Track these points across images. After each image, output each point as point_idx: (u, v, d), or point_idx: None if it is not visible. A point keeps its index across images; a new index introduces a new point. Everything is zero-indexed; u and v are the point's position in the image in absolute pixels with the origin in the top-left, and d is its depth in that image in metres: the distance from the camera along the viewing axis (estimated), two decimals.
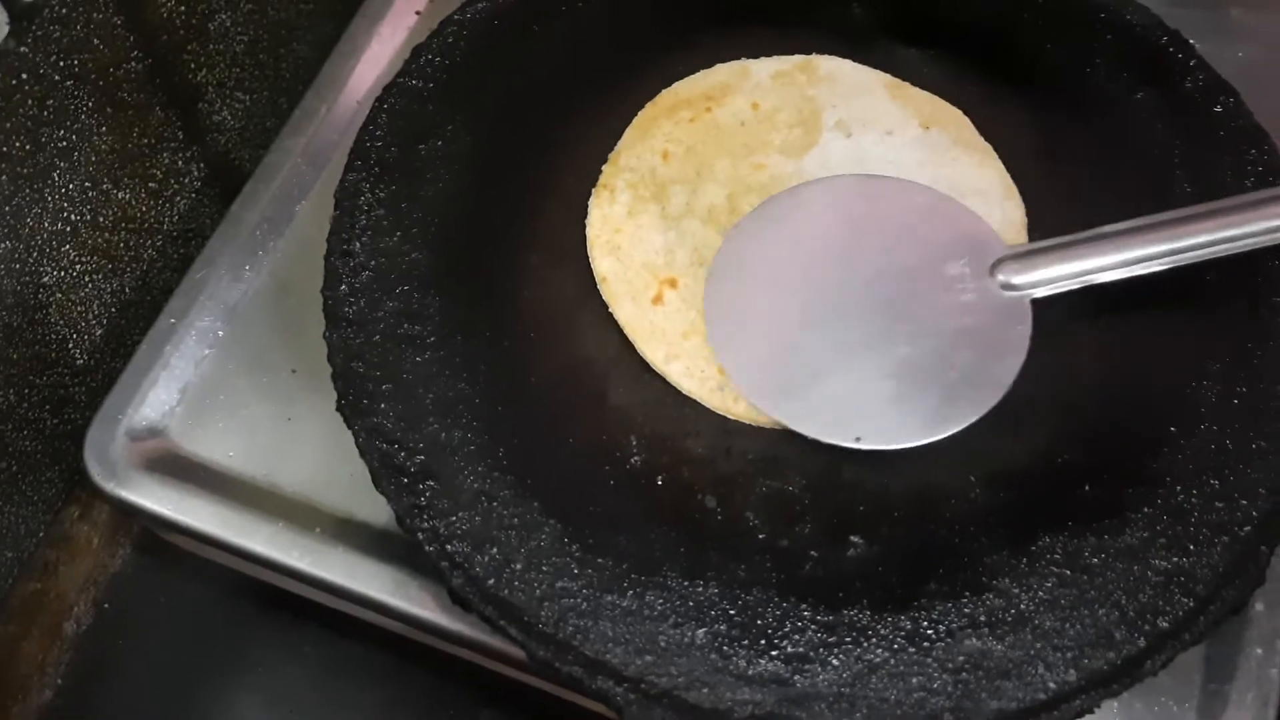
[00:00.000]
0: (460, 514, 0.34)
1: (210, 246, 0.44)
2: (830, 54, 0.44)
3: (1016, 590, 0.34)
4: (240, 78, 0.49)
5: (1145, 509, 0.35)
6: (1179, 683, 0.36)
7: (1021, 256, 0.38)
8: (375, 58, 0.48)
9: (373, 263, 0.38)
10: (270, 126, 0.50)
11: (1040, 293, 0.38)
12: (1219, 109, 0.41)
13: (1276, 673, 0.36)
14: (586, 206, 0.41)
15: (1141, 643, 0.33)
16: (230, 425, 0.41)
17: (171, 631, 0.49)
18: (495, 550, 0.34)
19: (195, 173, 0.48)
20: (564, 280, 0.40)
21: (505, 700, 0.46)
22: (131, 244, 0.46)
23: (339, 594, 0.39)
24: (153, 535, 0.46)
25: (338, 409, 0.36)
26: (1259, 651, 0.36)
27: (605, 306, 0.39)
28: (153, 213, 0.46)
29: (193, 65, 0.46)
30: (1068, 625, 0.33)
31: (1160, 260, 0.37)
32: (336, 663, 0.48)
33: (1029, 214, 0.41)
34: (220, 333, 0.43)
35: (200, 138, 0.48)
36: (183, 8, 0.44)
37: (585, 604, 0.33)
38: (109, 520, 0.49)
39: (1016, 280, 0.38)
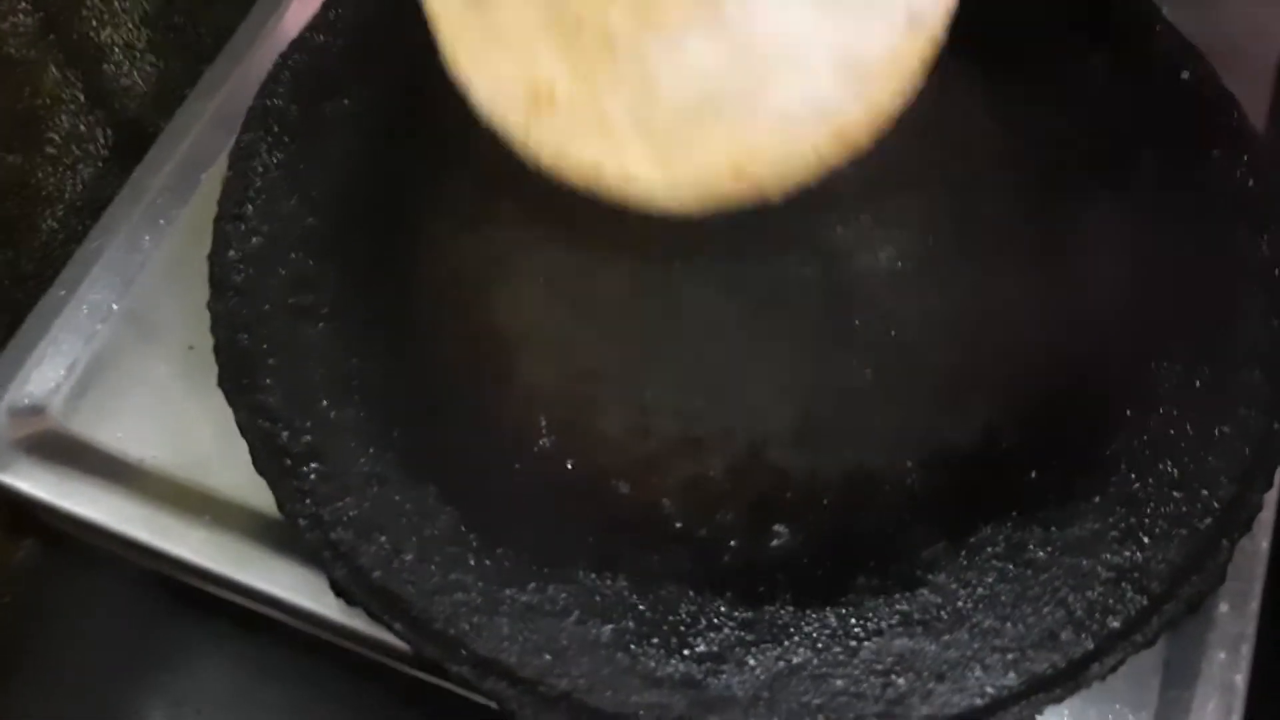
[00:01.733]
0: (347, 499, 0.32)
1: (108, 215, 0.42)
2: None
3: (954, 585, 0.31)
4: (152, 39, 0.46)
5: (1096, 498, 0.32)
6: (1135, 688, 0.33)
7: None
8: (295, 18, 0.45)
9: (265, 228, 0.35)
10: (188, 94, 0.47)
11: None
12: (1185, 74, 0.39)
13: (1241, 678, 0.34)
14: (499, 172, 0.38)
15: (1089, 644, 0.30)
16: (119, 404, 0.39)
17: (77, 626, 0.47)
18: (384, 538, 0.31)
19: (101, 139, 0.45)
20: (473, 248, 0.37)
21: (427, 702, 0.44)
22: (27, 213, 0.43)
23: (229, 586, 0.36)
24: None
25: (219, 384, 0.33)
26: (1222, 655, 0.34)
27: (519, 277, 0.36)
28: (51, 179, 0.44)
29: (94, 23, 0.43)
30: (1008, 624, 0.30)
31: None
32: (249, 661, 0.45)
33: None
34: (114, 306, 0.40)
35: (106, 101, 0.45)
36: None
37: (481, 598, 0.31)
38: (10, 510, 0.46)
39: None
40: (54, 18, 0.41)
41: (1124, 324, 0.35)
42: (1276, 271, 0.35)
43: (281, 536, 0.36)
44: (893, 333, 0.35)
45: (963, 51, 0.40)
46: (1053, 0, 0.41)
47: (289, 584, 0.35)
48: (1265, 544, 0.35)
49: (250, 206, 0.36)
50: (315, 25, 0.39)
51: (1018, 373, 0.34)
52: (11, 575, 0.47)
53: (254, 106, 0.38)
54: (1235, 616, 0.34)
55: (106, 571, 0.46)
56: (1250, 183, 0.37)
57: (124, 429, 0.38)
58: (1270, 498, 0.35)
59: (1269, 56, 0.44)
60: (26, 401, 0.39)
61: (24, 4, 0.39)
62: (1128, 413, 0.33)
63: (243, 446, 0.33)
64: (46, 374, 0.39)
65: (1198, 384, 0.33)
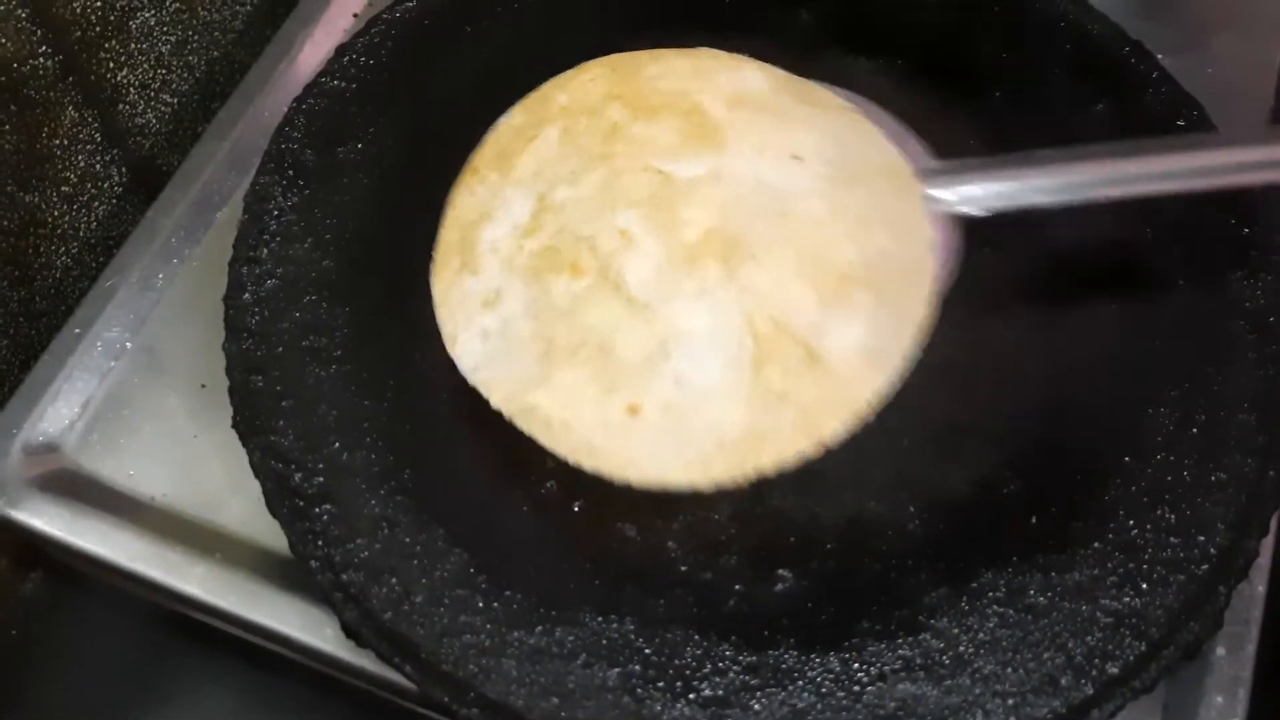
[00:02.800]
0: (358, 540, 0.32)
1: (122, 254, 0.42)
2: (775, 63, 0.42)
3: (955, 630, 0.31)
4: (167, 79, 0.47)
5: (1094, 544, 0.32)
6: None
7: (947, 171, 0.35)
8: (307, 60, 0.46)
9: (280, 270, 0.36)
10: (201, 132, 0.47)
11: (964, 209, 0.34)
12: (1182, 122, 0.39)
13: None
14: None
15: (1089, 689, 0.30)
16: (132, 442, 0.39)
17: (82, 660, 0.47)
18: (394, 580, 0.32)
19: (116, 177, 0.46)
20: None
21: None
22: (42, 250, 0.43)
23: (237, 624, 0.36)
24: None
25: (233, 425, 0.34)
26: (1219, 700, 0.34)
27: None
28: (66, 218, 0.44)
29: (111, 64, 0.44)
30: (1009, 669, 0.31)
31: (1095, 188, 0.34)
32: (253, 696, 0.45)
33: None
34: (128, 344, 0.41)
35: (121, 140, 0.46)
36: (98, 4, 0.42)
37: (489, 641, 0.31)
38: (17, 543, 0.47)
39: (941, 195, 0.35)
40: (73, 60, 0.42)
41: (1121, 371, 0.35)
42: (1270, 318, 0.35)
43: (289, 574, 0.36)
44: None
45: (965, 97, 0.41)
46: (1049, 48, 0.42)
47: (296, 621, 0.35)
48: (1261, 588, 0.35)
49: (265, 250, 0.36)
50: (329, 70, 0.40)
51: (1017, 420, 0.35)
52: (18, 608, 0.47)
53: (269, 150, 0.38)
54: (1232, 660, 0.34)
55: (113, 606, 0.46)
56: (1244, 230, 0.37)
57: (136, 466, 0.39)
58: (1266, 543, 0.36)
59: (1263, 105, 0.45)
60: (40, 439, 0.39)
61: (44, 47, 0.40)
62: (1125, 460, 0.34)
63: (252, 484, 0.34)
64: (61, 411, 0.39)
65: (1194, 431, 0.34)
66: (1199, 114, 0.39)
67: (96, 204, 0.46)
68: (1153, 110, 0.40)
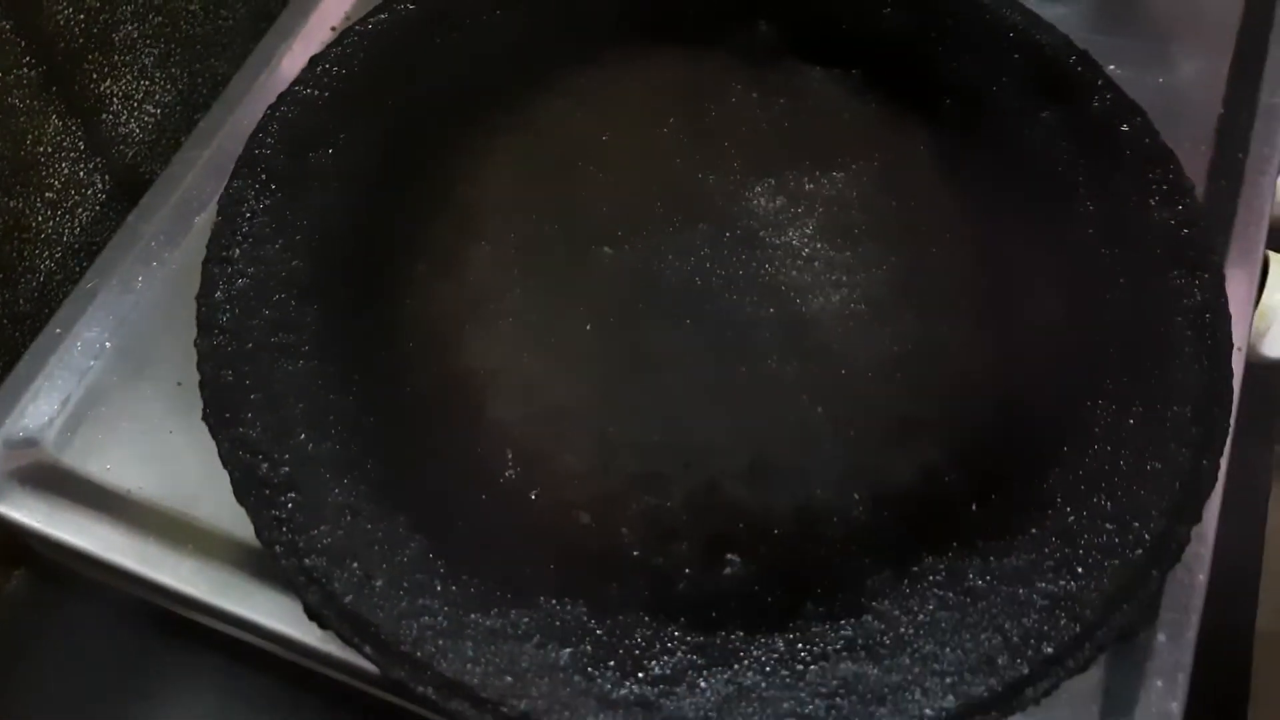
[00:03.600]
0: (321, 527, 0.33)
1: (103, 257, 0.43)
2: (735, 72, 0.43)
3: (896, 612, 0.32)
4: (150, 90, 0.49)
5: (1033, 530, 0.34)
6: (1076, 715, 0.34)
7: None
8: (286, 71, 0.48)
9: (251, 270, 0.37)
10: (184, 141, 0.49)
11: None
12: (1126, 128, 0.41)
13: (1177, 705, 0.35)
14: (475, 220, 0.40)
15: (1024, 669, 0.32)
16: (109, 437, 0.40)
17: (66, 657, 0.48)
18: (356, 565, 0.33)
19: (99, 184, 0.47)
20: (449, 291, 0.39)
21: None
22: (26, 254, 0.45)
23: (209, 613, 0.37)
24: (50, 558, 0.45)
25: (203, 418, 0.35)
26: (1159, 683, 0.35)
27: (490, 319, 0.38)
28: (50, 223, 0.46)
29: (95, 75, 0.45)
30: (948, 649, 0.32)
31: None
32: (232, 689, 0.46)
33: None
34: (107, 344, 0.42)
35: (105, 149, 0.47)
36: (81, 17, 0.43)
37: (447, 623, 0.32)
38: (2, 540, 0.48)
39: None
40: (56, 70, 0.43)
41: (1062, 364, 0.36)
42: (1207, 315, 0.37)
43: (262, 565, 0.37)
44: (843, 372, 0.37)
45: (913, 107, 0.43)
46: (1004, 59, 0.43)
47: (269, 610, 0.36)
48: (1202, 577, 0.36)
49: (237, 250, 0.37)
50: (303, 79, 0.41)
51: (960, 411, 0.36)
52: (2, 605, 0.48)
53: (243, 155, 0.40)
54: (1172, 647, 0.35)
55: (97, 603, 0.47)
56: (1184, 231, 0.39)
57: (114, 461, 0.40)
58: (1207, 533, 0.37)
59: (1211, 114, 0.46)
60: (21, 434, 0.40)
61: (28, 58, 0.42)
62: (1064, 449, 0.35)
63: (226, 478, 0.35)
64: (41, 408, 0.41)
65: (1131, 422, 0.35)
66: (1141, 120, 0.41)
67: (80, 210, 0.47)
68: (1097, 117, 0.41)
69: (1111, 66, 0.43)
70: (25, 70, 0.42)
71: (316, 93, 0.41)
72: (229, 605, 0.37)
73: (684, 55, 0.44)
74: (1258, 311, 0.43)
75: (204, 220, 0.44)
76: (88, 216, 0.47)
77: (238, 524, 0.37)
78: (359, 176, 0.40)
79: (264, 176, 0.39)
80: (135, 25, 0.46)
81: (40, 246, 0.46)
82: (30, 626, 0.48)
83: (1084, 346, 0.37)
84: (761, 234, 0.40)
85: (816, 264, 0.39)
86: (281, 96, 0.41)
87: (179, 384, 0.41)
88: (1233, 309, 0.37)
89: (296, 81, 0.41)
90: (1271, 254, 0.45)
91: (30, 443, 0.40)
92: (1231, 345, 0.36)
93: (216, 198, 0.44)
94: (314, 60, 0.42)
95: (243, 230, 0.38)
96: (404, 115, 0.41)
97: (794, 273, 0.39)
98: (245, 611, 0.37)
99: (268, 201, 0.38)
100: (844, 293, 0.39)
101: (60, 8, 0.42)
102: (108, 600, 0.46)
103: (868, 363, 0.37)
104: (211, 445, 0.36)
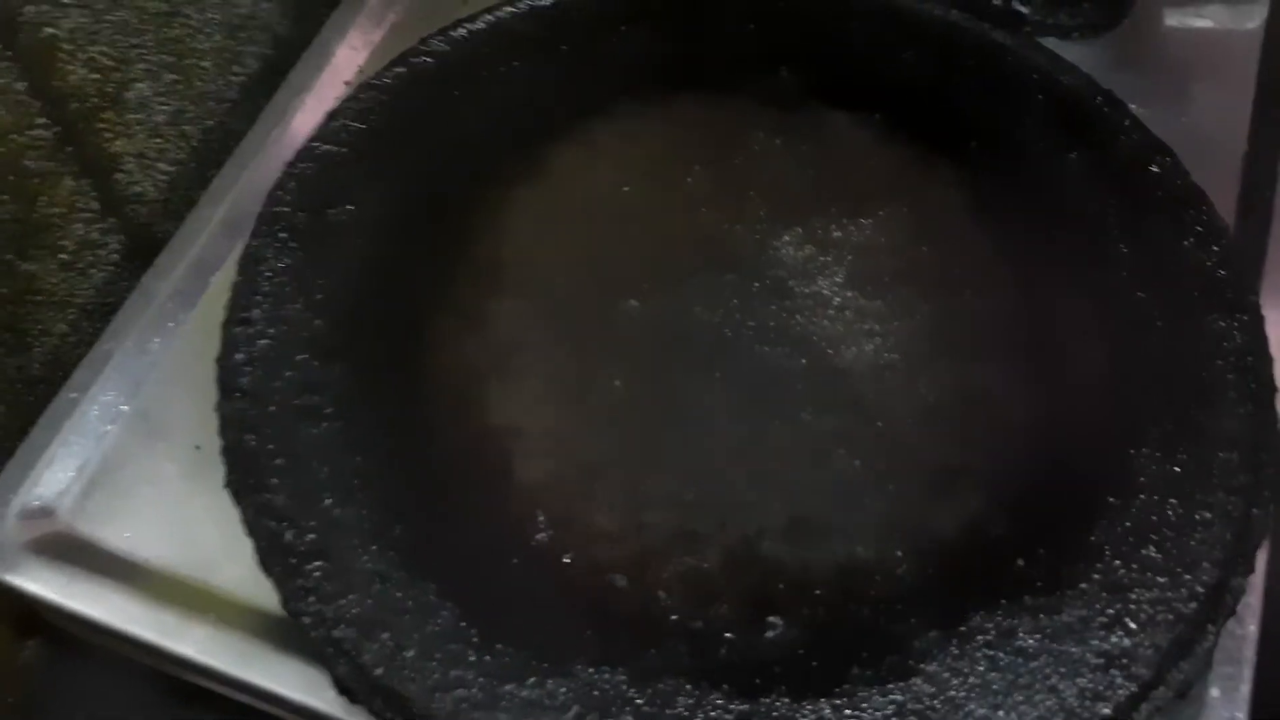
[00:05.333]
0: (350, 596, 0.32)
1: (118, 319, 0.43)
2: (757, 119, 0.43)
3: (946, 675, 0.31)
4: (163, 149, 0.48)
5: (1082, 585, 0.33)
6: None
7: None
8: (300, 127, 0.47)
9: (272, 331, 0.37)
10: (197, 199, 0.48)
11: None
12: (1155, 169, 0.40)
13: None
14: (498, 275, 0.39)
15: None
16: (127, 505, 0.39)
17: None
18: (386, 636, 0.32)
19: (113, 245, 0.47)
20: (474, 348, 0.38)
21: None
22: (39, 318, 0.44)
23: (232, 685, 0.36)
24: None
25: (226, 485, 0.34)
26: None
27: (516, 376, 0.37)
28: (64, 285, 0.45)
29: (108, 134, 0.45)
30: (1000, 712, 0.31)
31: None
32: None
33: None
34: (124, 408, 0.41)
35: (118, 209, 0.47)
36: (95, 76, 0.43)
37: (482, 694, 0.31)
38: (15, 610, 0.47)
39: None
40: (70, 130, 0.43)
41: (1104, 412, 0.36)
42: (1249, 358, 0.36)
43: (285, 634, 0.36)
44: (880, 424, 0.36)
45: (944, 153, 0.42)
46: (1028, 101, 0.43)
47: (292, 682, 0.35)
48: (1253, 628, 0.35)
49: (257, 310, 0.37)
50: (320, 135, 0.41)
51: (1002, 463, 0.35)
52: (16, 675, 0.47)
53: (262, 213, 0.39)
54: (1226, 701, 0.34)
55: (112, 673, 0.46)
56: (1220, 272, 0.38)
57: (131, 529, 0.39)
58: (1257, 581, 0.36)
59: (1236, 153, 0.46)
60: (36, 504, 0.39)
61: (43, 119, 0.41)
62: (1110, 500, 0.34)
63: (246, 545, 0.34)
64: (56, 476, 0.40)
65: (1177, 470, 0.34)
66: (1171, 160, 0.40)
67: (94, 271, 0.46)
68: (1126, 157, 0.41)
69: (1133, 106, 0.43)
70: (40, 131, 0.41)
71: (334, 148, 0.41)
72: (251, 677, 0.36)
73: (704, 103, 0.43)
74: None
75: (220, 279, 0.44)
76: (102, 278, 0.47)
77: (259, 592, 0.36)
78: (379, 233, 0.39)
79: (284, 234, 0.38)
80: (148, 83, 0.46)
81: (54, 309, 0.45)
82: (45, 698, 0.47)
83: (1124, 392, 0.36)
84: (790, 283, 0.39)
85: (848, 313, 0.39)
86: (299, 153, 0.40)
87: (197, 448, 0.40)
88: (1272, 349, 0.37)
89: (314, 138, 0.41)
90: None
91: (45, 512, 0.39)
92: (1276, 388, 0.35)
93: (232, 256, 0.44)
94: (331, 115, 0.41)
95: (263, 290, 0.37)
96: (423, 169, 0.41)
97: (825, 322, 0.38)
98: (268, 683, 0.36)
99: (288, 260, 0.38)
100: (877, 342, 0.38)
101: (74, 67, 0.42)
102: (123, 670, 0.45)
103: (904, 414, 0.36)
104: (232, 511, 0.35)
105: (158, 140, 0.48)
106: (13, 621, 0.47)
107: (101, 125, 0.44)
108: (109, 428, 0.41)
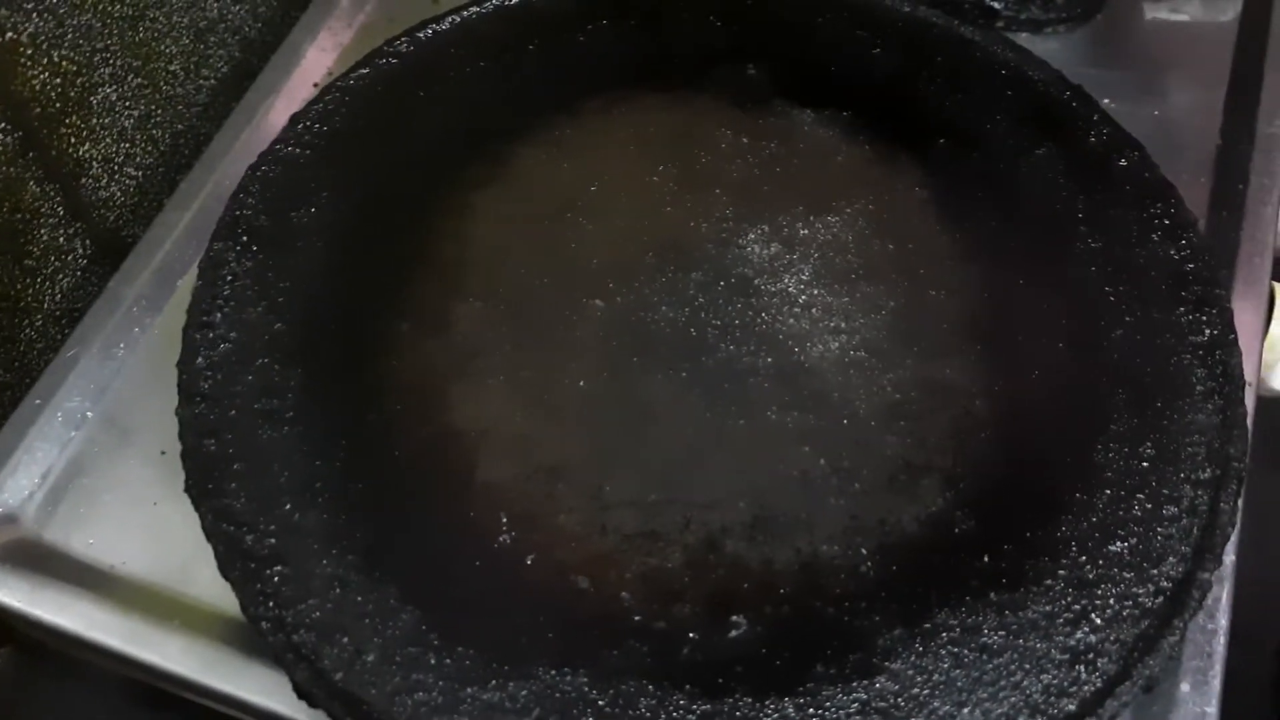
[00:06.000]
0: (310, 600, 0.32)
1: (84, 324, 0.43)
2: (724, 116, 0.43)
3: (910, 672, 0.31)
4: (131, 153, 0.48)
5: (1047, 580, 0.32)
6: None
7: None
8: (268, 130, 0.47)
9: (233, 335, 0.36)
10: (166, 203, 0.48)
11: None
12: (1124, 162, 0.40)
13: None
14: (462, 276, 0.39)
15: None
16: (92, 511, 0.39)
17: None
18: (346, 640, 0.31)
19: (80, 250, 0.47)
20: (437, 350, 0.38)
21: None
22: (5, 324, 0.44)
23: (196, 691, 0.36)
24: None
25: (186, 489, 0.34)
26: None
27: (479, 377, 0.37)
28: (29, 291, 0.45)
29: (73, 139, 0.45)
30: (965, 710, 0.31)
31: None
32: None
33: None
34: (89, 413, 0.41)
35: (85, 214, 0.46)
36: (58, 81, 0.43)
37: (442, 698, 0.31)
38: None
39: None
40: (32, 136, 0.42)
41: (1069, 406, 0.35)
42: (1216, 351, 0.36)
43: (251, 641, 0.36)
44: (844, 420, 0.36)
45: (907, 148, 0.42)
46: (997, 97, 0.42)
47: (258, 688, 0.35)
48: (1224, 622, 0.35)
49: (219, 314, 0.37)
50: (284, 137, 0.41)
51: (966, 458, 0.35)
52: None
53: (223, 216, 0.39)
54: (1196, 696, 0.34)
55: (82, 679, 0.46)
56: (1189, 266, 0.38)
57: (96, 535, 0.39)
58: (1226, 575, 0.36)
59: (1207, 146, 0.45)
60: (1, 510, 0.39)
61: (3, 124, 0.41)
62: (1076, 495, 0.34)
63: (209, 550, 0.34)
64: (21, 482, 0.39)
65: (1143, 464, 0.34)
66: (1140, 154, 0.40)
67: (61, 276, 0.46)
68: (1094, 152, 0.40)
69: (1106, 100, 0.43)
70: (1, 136, 0.41)
71: (298, 151, 0.40)
72: (217, 683, 0.36)
73: (670, 101, 0.43)
74: (1265, 344, 0.42)
75: (187, 283, 0.43)
76: (68, 283, 0.47)
77: (226, 598, 0.36)
78: (342, 235, 0.39)
79: (245, 238, 0.38)
80: (114, 87, 0.46)
81: (19, 315, 0.45)
82: (16, 707, 0.47)
83: (1091, 387, 0.36)
84: (756, 281, 0.39)
85: (814, 310, 0.38)
86: (262, 156, 0.40)
87: (163, 453, 0.40)
88: (1241, 343, 0.36)
89: (277, 140, 0.41)
90: (1277, 285, 0.44)
91: (9, 519, 0.39)
92: (1244, 382, 0.35)
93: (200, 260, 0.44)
94: (295, 118, 0.41)
95: (224, 294, 0.37)
96: (387, 171, 0.41)
97: (791, 320, 0.38)
98: (234, 690, 0.36)
99: (249, 263, 0.38)
100: (843, 339, 0.38)
101: (36, 72, 0.42)
102: (94, 678, 0.44)
103: (869, 410, 0.36)
104: (196, 517, 0.34)
105: (125, 144, 0.48)
106: None
107: (66, 130, 0.44)
108: (74, 433, 0.41)
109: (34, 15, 0.41)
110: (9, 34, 0.40)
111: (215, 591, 0.36)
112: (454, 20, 0.43)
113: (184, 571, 0.37)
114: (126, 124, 0.47)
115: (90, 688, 0.46)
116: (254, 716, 0.36)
